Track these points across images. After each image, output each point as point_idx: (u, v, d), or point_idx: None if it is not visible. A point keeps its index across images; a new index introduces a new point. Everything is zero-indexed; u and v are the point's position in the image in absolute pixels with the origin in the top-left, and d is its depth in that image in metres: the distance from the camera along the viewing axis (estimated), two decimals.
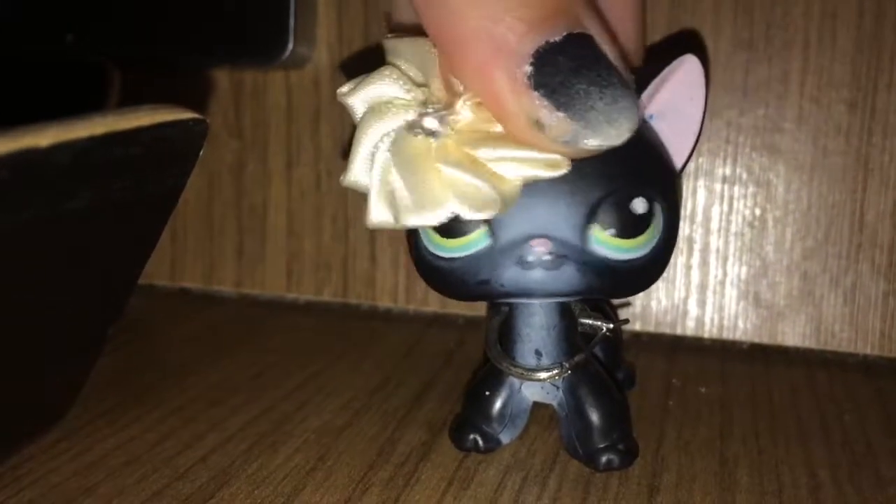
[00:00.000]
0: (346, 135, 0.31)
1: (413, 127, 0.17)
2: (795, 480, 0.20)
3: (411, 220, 0.17)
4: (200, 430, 0.22)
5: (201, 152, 0.17)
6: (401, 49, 0.18)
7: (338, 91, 0.18)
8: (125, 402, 0.23)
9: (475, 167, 0.17)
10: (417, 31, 0.18)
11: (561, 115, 0.16)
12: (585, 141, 0.16)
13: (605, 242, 0.18)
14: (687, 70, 0.19)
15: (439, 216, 0.17)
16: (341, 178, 0.18)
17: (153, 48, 0.31)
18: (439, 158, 0.17)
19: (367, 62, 0.18)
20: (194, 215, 0.33)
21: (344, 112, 0.18)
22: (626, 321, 0.22)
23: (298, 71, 0.31)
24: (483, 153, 0.17)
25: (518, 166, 0.17)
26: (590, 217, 0.18)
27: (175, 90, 0.32)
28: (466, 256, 0.19)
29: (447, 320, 0.31)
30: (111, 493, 0.19)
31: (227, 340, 0.29)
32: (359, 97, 0.18)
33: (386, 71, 0.18)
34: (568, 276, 0.18)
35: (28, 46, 0.32)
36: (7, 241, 0.14)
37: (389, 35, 0.18)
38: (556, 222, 0.18)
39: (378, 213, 0.18)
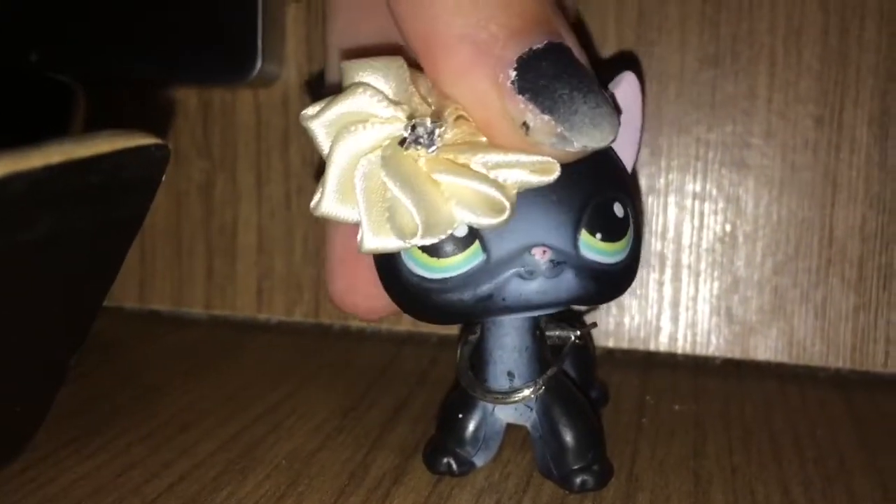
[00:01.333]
0: (315, 153, 0.30)
1: (407, 141, 0.17)
2: (769, 497, 0.20)
3: (420, 239, 0.17)
4: (169, 457, 0.21)
5: (163, 177, 0.17)
6: (370, 68, 0.17)
7: (302, 114, 0.18)
8: (92, 429, 0.23)
9: (473, 174, 0.17)
10: (369, 55, 0.17)
11: (546, 117, 0.16)
12: (572, 143, 0.17)
13: (594, 247, 0.18)
14: (626, 86, 0.20)
15: (448, 228, 0.17)
16: (312, 206, 0.18)
17: (120, 67, 0.31)
18: (434, 171, 0.17)
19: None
20: (162, 236, 0.33)
21: None
22: (594, 325, 0.22)
23: (267, 89, 0.31)
24: (475, 161, 0.17)
25: (510, 172, 0.17)
26: (578, 222, 0.18)
27: (143, 109, 0.32)
28: (461, 275, 0.18)
29: (420, 339, 0.30)
30: None
31: (198, 363, 0.28)
32: (327, 119, 0.17)
33: (359, 89, 0.17)
34: (567, 283, 0.18)
35: None
36: None
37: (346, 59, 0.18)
38: (549, 230, 0.18)
39: (373, 238, 0.17)
